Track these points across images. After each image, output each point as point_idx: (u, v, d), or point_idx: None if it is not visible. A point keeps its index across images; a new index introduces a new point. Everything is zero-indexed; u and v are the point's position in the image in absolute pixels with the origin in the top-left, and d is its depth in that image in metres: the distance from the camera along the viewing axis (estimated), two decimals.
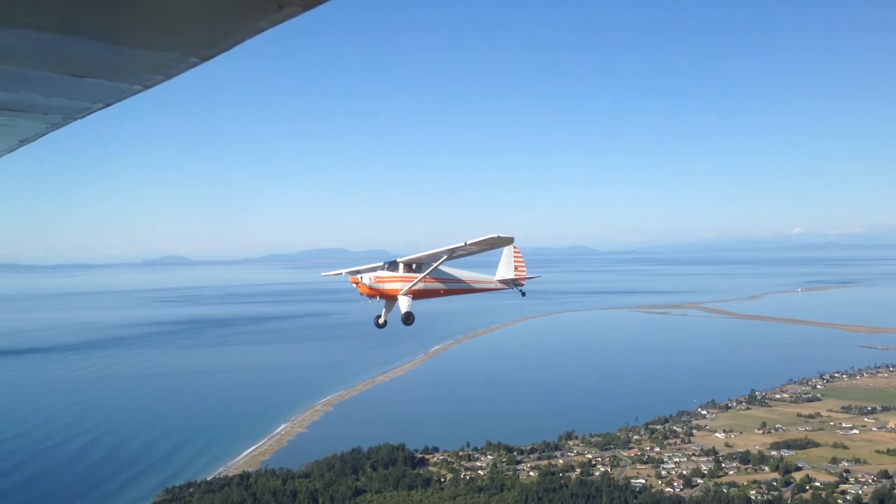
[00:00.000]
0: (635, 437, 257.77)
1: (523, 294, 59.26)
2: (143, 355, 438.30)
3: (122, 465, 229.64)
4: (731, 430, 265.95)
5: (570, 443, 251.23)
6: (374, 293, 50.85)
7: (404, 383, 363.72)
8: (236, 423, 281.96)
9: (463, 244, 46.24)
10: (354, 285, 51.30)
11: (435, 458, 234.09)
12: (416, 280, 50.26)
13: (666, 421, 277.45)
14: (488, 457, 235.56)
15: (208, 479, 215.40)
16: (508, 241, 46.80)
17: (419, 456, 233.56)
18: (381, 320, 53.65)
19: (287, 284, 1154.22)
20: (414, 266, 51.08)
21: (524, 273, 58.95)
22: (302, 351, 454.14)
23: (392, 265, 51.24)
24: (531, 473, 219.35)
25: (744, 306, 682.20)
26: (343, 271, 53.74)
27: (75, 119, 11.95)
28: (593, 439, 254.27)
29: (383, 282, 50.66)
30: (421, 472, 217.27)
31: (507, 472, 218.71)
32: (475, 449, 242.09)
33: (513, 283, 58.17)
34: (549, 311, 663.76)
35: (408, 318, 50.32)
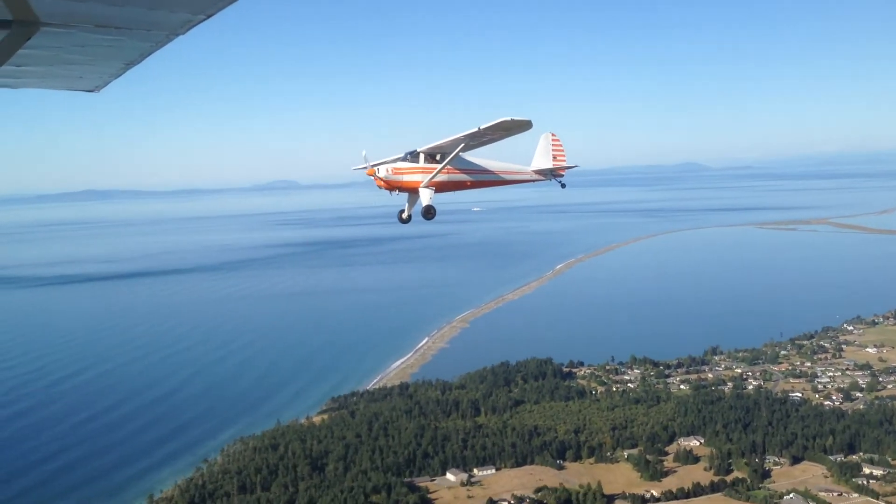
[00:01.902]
0: (782, 352, 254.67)
1: (563, 186, 54.73)
2: (277, 275, 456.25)
3: (286, 377, 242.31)
4: (883, 345, 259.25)
5: (717, 358, 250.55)
6: (393, 186, 47.03)
7: (534, 301, 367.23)
8: (380, 338, 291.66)
9: (477, 129, 42.88)
10: (372, 178, 47.30)
11: (582, 372, 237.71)
12: (437, 171, 46.86)
13: (811, 337, 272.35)
14: (635, 371, 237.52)
15: (369, 388, 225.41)
16: (525, 124, 42.26)
17: (566, 369, 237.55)
18: (404, 215, 49.25)
19: (395, 206, 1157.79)
20: (438, 156, 47.40)
21: (564, 162, 53.97)
22: (425, 270, 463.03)
23: (413, 155, 47.80)
24: (682, 387, 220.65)
25: (877, 220, 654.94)
26: (365, 164, 48.31)
27: (177, 35, 11.84)
28: (739, 354, 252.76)
29: (402, 173, 46.95)
30: (571, 384, 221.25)
31: (658, 386, 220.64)
32: (620, 363, 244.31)
33: (550, 174, 53.41)
34: (667, 229, 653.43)
35: (428, 212, 46.42)
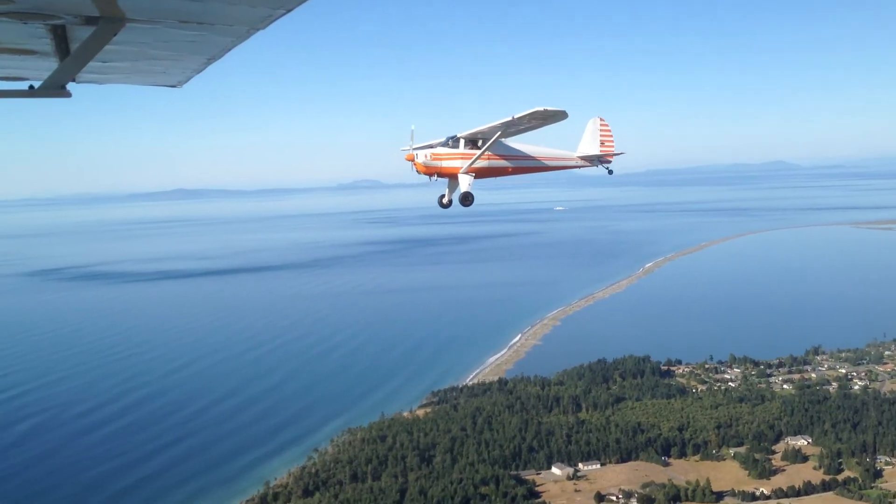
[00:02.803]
0: (886, 352, 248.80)
1: (610, 172, 53.28)
2: (368, 272, 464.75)
3: (387, 371, 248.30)
4: None
5: (819, 357, 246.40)
6: (432, 171, 46.65)
7: (626, 299, 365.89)
8: (474, 335, 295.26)
9: (511, 118, 42.72)
10: (410, 163, 47.03)
11: (680, 370, 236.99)
12: (475, 157, 46.20)
13: None
14: (735, 370, 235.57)
15: (468, 384, 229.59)
16: (559, 114, 41.97)
17: (664, 367, 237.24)
18: (444, 200, 48.69)
19: (478, 205, 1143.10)
20: (480, 142, 46.54)
21: (612, 149, 52.57)
22: (513, 269, 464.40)
23: (453, 141, 47.13)
24: (785, 386, 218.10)
25: None
26: (411, 146, 47.74)
27: (258, 29, 11.93)
28: (842, 354, 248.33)
29: (441, 159, 46.51)
30: (671, 382, 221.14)
31: (760, 385, 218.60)
32: (720, 362, 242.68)
33: (597, 160, 52.18)
34: (758, 228, 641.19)
35: (466, 199, 45.78)
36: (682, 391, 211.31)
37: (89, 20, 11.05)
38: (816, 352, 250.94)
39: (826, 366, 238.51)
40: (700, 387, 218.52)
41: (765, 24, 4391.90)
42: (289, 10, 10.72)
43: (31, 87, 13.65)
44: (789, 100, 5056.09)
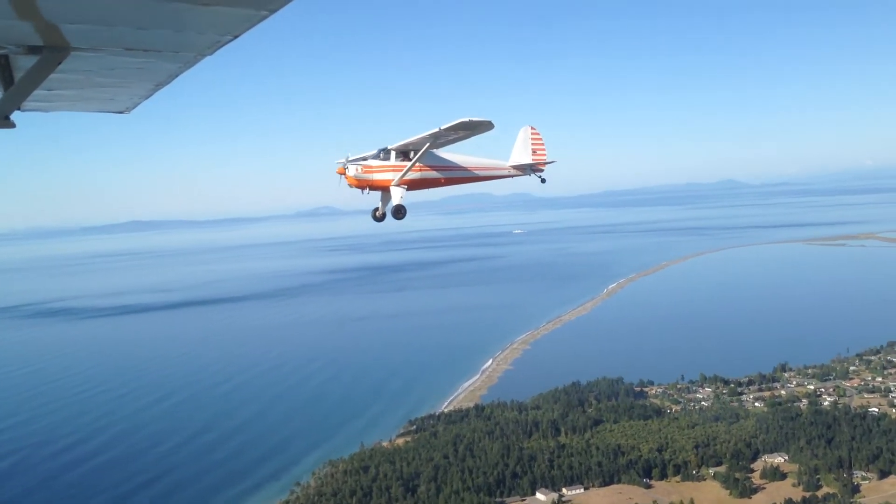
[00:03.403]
0: (851, 367, 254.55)
1: (543, 181, 52.41)
2: (335, 301, 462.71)
3: (361, 400, 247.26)
4: None
5: (786, 374, 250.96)
6: (364, 184, 46.13)
7: (591, 321, 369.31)
8: (444, 361, 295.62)
9: (438, 129, 42.15)
10: (342, 177, 46.06)
11: (653, 391, 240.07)
12: (406, 168, 45.81)
13: (878, 352, 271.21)
14: (706, 389, 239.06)
15: (445, 410, 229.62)
16: (485, 124, 41.44)
17: (637, 388, 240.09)
18: (378, 213, 48.29)
19: (437, 230, 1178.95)
20: (412, 154, 46.03)
21: (544, 157, 51.97)
22: (478, 293, 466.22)
23: (385, 153, 46.70)
24: (756, 404, 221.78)
25: None
26: (340, 160, 46.73)
27: (205, 55, 11.92)
28: (809, 370, 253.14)
29: (372, 171, 45.99)
30: (645, 403, 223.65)
31: (733, 403, 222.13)
32: (691, 381, 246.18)
33: (530, 169, 51.63)
34: (713, 247, 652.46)
35: (398, 212, 45.36)
36: (658, 412, 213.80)
37: (33, 49, 11.01)
38: (784, 368, 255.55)
39: (794, 382, 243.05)
40: (674, 407, 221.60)
41: (712, 46, 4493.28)
42: (236, 37, 10.80)
43: None
44: (738, 119, 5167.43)
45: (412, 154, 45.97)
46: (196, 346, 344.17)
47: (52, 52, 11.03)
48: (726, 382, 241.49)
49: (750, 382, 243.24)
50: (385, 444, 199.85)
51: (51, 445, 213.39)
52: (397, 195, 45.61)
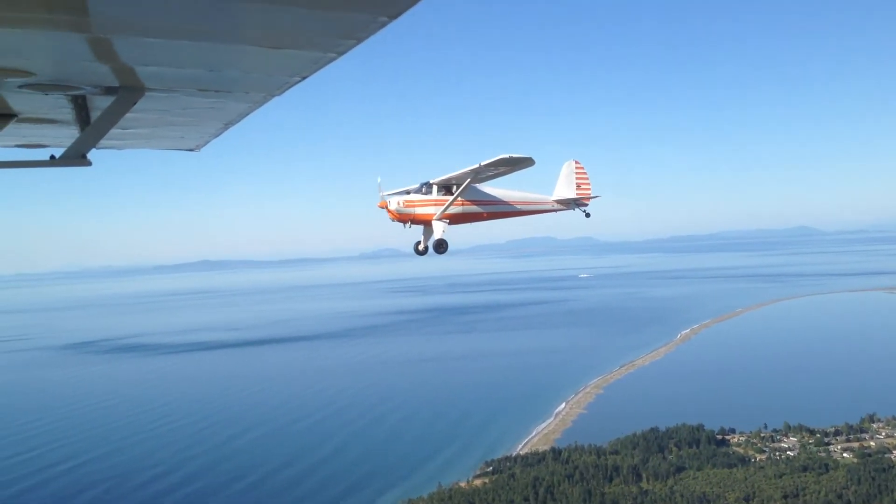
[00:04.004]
0: None
1: (587, 215, 52.19)
2: (403, 341, 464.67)
3: (435, 441, 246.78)
4: None
5: (875, 425, 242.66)
6: (405, 218, 46.57)
7: (666, 367, 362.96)
8: (517, 403, 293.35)
9: (478, 165, 43.01)
10: (385, 209, 46.33)
11: (735, 439, 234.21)
12: (448, 203, 46.18)
13: None
14: (791, 438, 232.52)
15: (521, 453, 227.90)
16: (525, 161, 41.93)
17: (719, 436, 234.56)
18: (420, 247, 48.47)
19: (502, 273, 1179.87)
20: (454, 188, 46.46)
21: (588, 192, 52.02)
22: (546, 337, 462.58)
23: (427, 187, 47.09)
24: (845, 455, 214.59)
25: None
26: (384, 193, 47.03)
27: (273, 96, 12.23)
28: None
29: (414, 206, 46.46)
30: (728, 451, 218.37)
31: (820, 454, 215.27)
32: (775, 430, 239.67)
33: (574, 204, 51.70)
34: (789, 294, 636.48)
35: (440, 246, 45.71)
36: (743, 460, 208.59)
37: (109, 90, 11.45)
38: (872, 419, 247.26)
39: (884, 433, 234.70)
40: (759, 456, 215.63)
41: (784, 92, 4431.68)
42: (304, 78, 11.03)
43: (52, 156, 13.74)
44: (811, 166, 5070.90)
45: (454, 188, 46.57)
46: (270, 382, 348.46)
47: (127, 93, 11.50)
48: (812, 432, 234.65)
49: (837, 433, 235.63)
50: (463, 484, 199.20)
51: (137, 476, 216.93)
52: (439, 229, 46.09)
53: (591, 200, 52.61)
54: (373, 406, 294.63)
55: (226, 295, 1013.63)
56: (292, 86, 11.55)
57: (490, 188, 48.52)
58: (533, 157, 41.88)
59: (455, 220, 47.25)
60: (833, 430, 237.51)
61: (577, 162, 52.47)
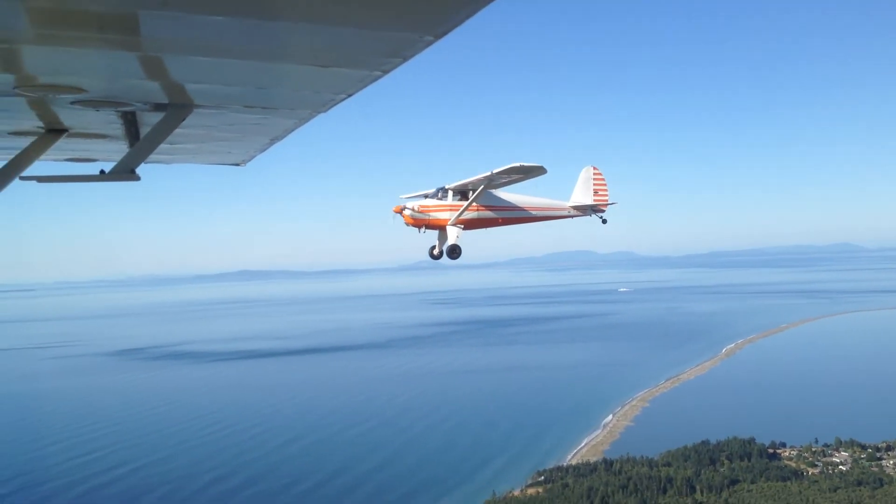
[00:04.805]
0: None
1: (604, 221, 52.55)
2: (446, 353, 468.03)
3: (486, 451, 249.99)
4: None
5: None
6: (420, 223, 46.82)
7: (712, 381, 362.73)
8: (564, 415, 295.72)
9: (490, 172, 43.40)
10: (399, 214, 46.90)
11: (787, 453, 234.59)
12: (463, 208, 46.47)
13: None
14: (843, 452, 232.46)
15: (571, 463, 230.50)
16: (537, 169, 42.44)
17: (770, 450, 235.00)
18: (435, 251, 48.55)
19: (541, 286, 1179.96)
20: (469, 194, 46.80)
21: (606, 198, 52.17)
22: (589, 350, 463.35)
23: (442, 192, 47.51)
24: None
25: None
26: (403, 196, 47.73)
27: (319, 112, 12.38)
28: None
29: (429, 211, 46.80)
30: (780, 465, 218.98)
31: (873, 468, 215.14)
32: (826, 444, 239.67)
33: (591, 210, 51.93)
34: (834, 311, 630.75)
35: (453, 252, 46.17)
36: (796, 474, 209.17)
37: (159, 106, 11.73)
38: None
39: None
40: (811, 470, 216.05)
41: (828, 108, 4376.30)
42: (350, 95, 11.19)
43: (102, 171, 13.86)
44: (852, 181, 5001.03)
45: (470, 194, 47.16)
46: (318, 391, 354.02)
47: (176, 109, 11.81)
48: (863, 447, 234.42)
49: (889, 448, 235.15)
50: (516, 492, 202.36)
51: (198, 479, 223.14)
52: (453, 235, 46.68)
53: (609, 207, 53.22)
54: (423, 415, 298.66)
55: (267, 305, 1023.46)
56: (338, 103, 11.87)
57: (505, 193, 49.30)
58: (544, 167, 42.87)
59: (470, 225, 47.91)
60: (885, 445, 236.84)
61: (595, 168, 53.21)
